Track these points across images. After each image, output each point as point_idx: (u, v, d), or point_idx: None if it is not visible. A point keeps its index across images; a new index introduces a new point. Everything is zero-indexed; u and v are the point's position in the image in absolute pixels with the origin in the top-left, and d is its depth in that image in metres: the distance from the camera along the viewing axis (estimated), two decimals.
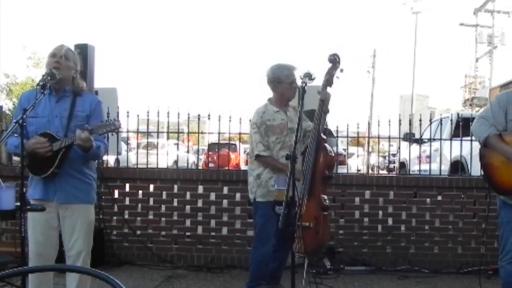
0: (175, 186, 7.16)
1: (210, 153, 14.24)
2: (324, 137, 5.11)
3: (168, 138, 8.09)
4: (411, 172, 9.26)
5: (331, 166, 5.11)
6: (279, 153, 5.12)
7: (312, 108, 5.11)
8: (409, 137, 9.37)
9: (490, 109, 4.58)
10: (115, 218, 7.13)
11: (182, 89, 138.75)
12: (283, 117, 5.23)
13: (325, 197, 5.00)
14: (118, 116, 6.90)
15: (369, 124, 8.39)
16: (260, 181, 5.17)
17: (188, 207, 7.15)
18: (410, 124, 8.81)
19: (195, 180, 7.18)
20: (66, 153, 4.04)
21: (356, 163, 14.67)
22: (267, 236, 5.12)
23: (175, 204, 7.15)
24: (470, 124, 4.80)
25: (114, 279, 2.07)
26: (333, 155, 5.17)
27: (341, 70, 5.04)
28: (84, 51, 6.28)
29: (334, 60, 5.03)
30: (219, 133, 7.48)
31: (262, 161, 5.17)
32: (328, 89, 5.04)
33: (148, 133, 7.78)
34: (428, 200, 7.13)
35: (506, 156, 4.34)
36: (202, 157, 17.24)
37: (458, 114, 9.82)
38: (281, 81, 5.20)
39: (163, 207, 7.18)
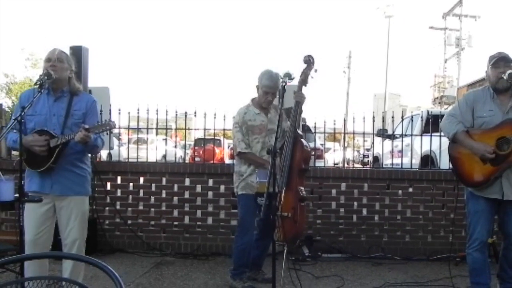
0: (164, 179, 7.15)
1: (196, 148, 14.17)
2: (301, 133, 5.12)
3: (157, 134, 8.06)
4: (384, 166, 9.31)
5: (307, 160, 5.11)
6: (261, 153, 5.16)
7: (290, 107, 5.11)
8: (382, 133, 9.41)
9: (458, 107, 4.63)
10: (107, 208, 7.11)
11: (170, 88, 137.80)
12: (263, 119, 5.27)
13: (302, 188, 5.01)
14: (110, 113, 6.88)
15: (345, 121, 8.43)
16: (242, 176, 5.22)
17: (175, 198, 7.15)
18: (383, 120, 8.86)
19: (182, 173, 7.17)
20: (62, 150, 4.06)
21: (333, 157, 14.74)
22: (249, 226, 5.15)
23: (164, 195, 7.14)
24: (439, 120, 4.85)
25: (107, 265, 2.09)
26: (309, 149, 5.19)
27: (315, 70, 5.04)
28: (78, 52, 6.25)
29: (309, 61, 5.04)
30: (204, 129, 7.46)
31: (243, 157, 5.23)
32: (304, 89, 5.04)
33: (138, 129, 7.76)
34: (400, 191, 7.16)
35: (473, 150, 4.41)
36: (189, 151, 17.19)
37: (428, 111, 9.82)
38: (258, 87, 5.26)
39: (152, 198, 7.17)
